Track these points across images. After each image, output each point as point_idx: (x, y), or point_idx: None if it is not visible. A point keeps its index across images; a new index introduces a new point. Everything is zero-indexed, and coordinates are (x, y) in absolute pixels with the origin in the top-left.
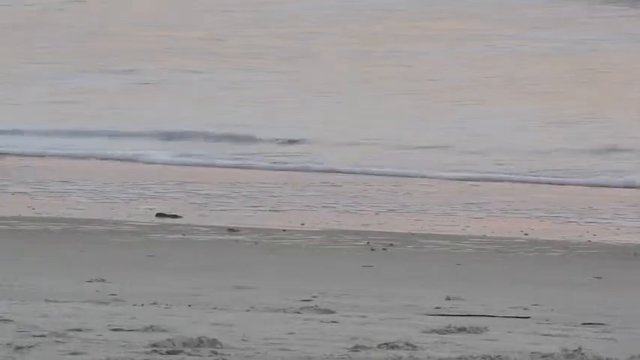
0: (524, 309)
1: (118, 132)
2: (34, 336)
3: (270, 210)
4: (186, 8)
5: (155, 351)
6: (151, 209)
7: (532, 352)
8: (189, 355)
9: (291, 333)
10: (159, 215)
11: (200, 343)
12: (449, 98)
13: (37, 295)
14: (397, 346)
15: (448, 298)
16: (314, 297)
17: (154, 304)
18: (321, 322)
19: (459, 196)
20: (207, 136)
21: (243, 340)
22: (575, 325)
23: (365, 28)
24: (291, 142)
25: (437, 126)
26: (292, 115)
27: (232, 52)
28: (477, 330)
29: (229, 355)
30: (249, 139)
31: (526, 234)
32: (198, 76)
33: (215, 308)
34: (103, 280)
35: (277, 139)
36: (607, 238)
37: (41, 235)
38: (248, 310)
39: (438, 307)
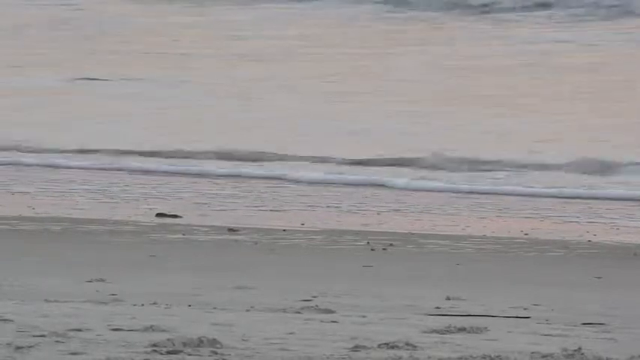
0: (524, 309)
1: None
2: (34, 336)
3: (270, 210)
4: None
5: (155, 351)
6: (151, 209)
7: (532, 352)
8: (189, 355)
9: (291, 333)
10: (159, 215)
11: (200, 343)
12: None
13: (37, 295)
14: (397, 346)
15: (448, 298)
16: (314, 297)
17: (154, 304)
18: (321, 322)
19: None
20: None
21: (243, 340)
22: (575, 325)
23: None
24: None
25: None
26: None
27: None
28: (477, 330)
29: (229, 355)
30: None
31: (526, 234)
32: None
33: (215, 308)
34: (103, 280)
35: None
36: (607, 238)
37: (41, 235)
38: (248, 310)
39: (438, 307)
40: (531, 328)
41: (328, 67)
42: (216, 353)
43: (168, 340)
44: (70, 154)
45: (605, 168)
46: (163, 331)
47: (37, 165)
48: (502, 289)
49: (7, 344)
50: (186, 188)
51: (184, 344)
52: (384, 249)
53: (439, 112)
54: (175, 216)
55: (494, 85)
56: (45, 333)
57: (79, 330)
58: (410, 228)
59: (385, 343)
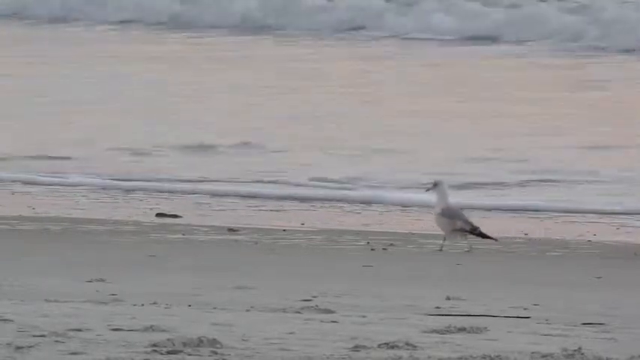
0: (524, 309)
1: None
2: (34, 336)
3: (270, 210)
4: None
5: (155, 351)
6: (151, 209)
7: (532, 352)
8: (189, 355)
9: (291, 333)
10: (159, 215)
11: (200, 343)
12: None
13: (37, 295)
14: (397, 346)
15: (448, 298)
16: (314, 297)
17: (154, 304)
18: (321, 322)
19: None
20: None
21: (243, 340)
22: (575, 325)
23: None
24: None
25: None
26: None
27: None
28: (477, 330)
29: (229, 355)
30: None
31: (526, 234)
32: None
33: (215, 308)
34: (103, 280)
35: None
36: (607, 238)
37: (41, 235)
38: (248, 310)
39: (438, 307)
40: (531, 328)
41: None
42: (216, 353)
43: (168, 340)
44: None
45: None
46: (163, 331)
47: None
48: (502, 289)
49: (7, 344)
50: (184, 187)
51: (184, 344)
52: (384, 249)
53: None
54: (175, 216)
55: None
56: (45, 333)
57: (79, 330)
58: (410, 228)
59: (385, 343)
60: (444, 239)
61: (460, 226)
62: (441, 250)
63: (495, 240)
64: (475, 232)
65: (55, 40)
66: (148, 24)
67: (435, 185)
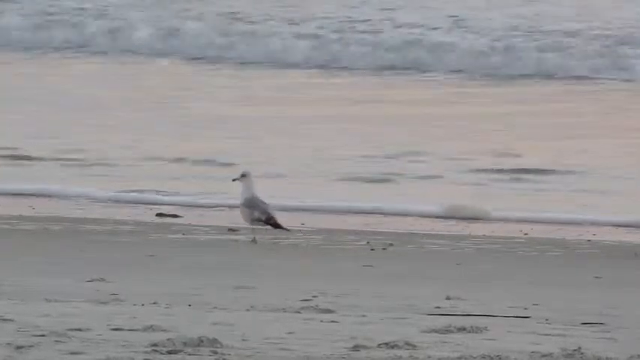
0: (524, 309)
1: None
2: (34, 335)
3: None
4: None
5: (155, 350)
6: (151, 209)
7: (532, 352)
8: (189, 354)
9: (291, 333)
10: (159, 215)
11: (200, 342)
12: None
13: (37, 295)
14: (397, 346)
15: (448, 298)
16: (314, 297)
17: (154, 304)
18: (321, 322)
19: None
20: None
21: (243, 340)
22: (574, 325)
23: None
24: None
25: None
26: None
27: None
28: (476, 330)
29: (229, 354)
30: None
31: (526, 234)
32: None
33: (215, 308)
34: (103, 280)
35: None
36: (607, 238)
37: (41, 235)
38: (248, 310)
39: (438, 307)
40: (531, 327)
41: None
42: (216, 353)
43: (169, 339)
44: None
45: None
46: (163, 330)
47: None
48: (502, 289)
49: (8, 344)
50: (185, 186)
51: (184, 344)
52: (384, 249)
53: None
54: (175, 216)
55: None
56: (45, 332)
57: (79, 330)
58: (410, 228)
59: (385, 343)
60: (253, 231)
61: (257, 216)
62: (254, 241)
63: (287, 230)
64: (270, 222)
65: None
66: None
67: (243, 176)
